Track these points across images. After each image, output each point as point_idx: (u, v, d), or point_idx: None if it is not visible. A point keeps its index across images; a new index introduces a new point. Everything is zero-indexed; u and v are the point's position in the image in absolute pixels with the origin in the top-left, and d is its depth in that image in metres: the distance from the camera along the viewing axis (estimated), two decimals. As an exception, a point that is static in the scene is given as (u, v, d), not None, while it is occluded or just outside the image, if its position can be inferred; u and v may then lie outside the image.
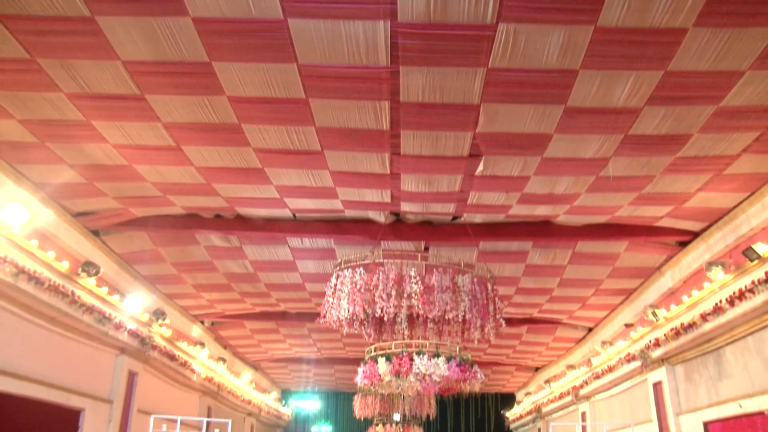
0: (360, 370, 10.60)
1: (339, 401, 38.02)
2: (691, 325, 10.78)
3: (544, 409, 22.58)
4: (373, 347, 10.64)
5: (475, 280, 9.60)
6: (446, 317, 9.43)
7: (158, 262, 13.25)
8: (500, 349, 21.42)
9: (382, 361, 10.09)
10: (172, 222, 11.53)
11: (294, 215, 11.32)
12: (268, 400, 25.90)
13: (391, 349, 10.37)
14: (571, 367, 19.17)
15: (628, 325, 15.00)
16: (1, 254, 8.69)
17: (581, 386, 17.75)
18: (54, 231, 10.44)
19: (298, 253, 12.86)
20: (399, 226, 11.51)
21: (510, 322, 16.51)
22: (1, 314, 9.38)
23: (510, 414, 28.26)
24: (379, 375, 10.12)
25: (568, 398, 19.29)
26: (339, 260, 9.76)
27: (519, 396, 28.34)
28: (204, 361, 17.37)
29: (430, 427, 30.15)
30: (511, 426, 28.86)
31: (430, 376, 10.25)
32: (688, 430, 11.58)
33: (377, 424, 24.79)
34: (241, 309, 16.93)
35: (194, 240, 12.38)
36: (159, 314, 13.69)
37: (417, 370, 9.84)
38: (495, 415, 31.38)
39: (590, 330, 18.13)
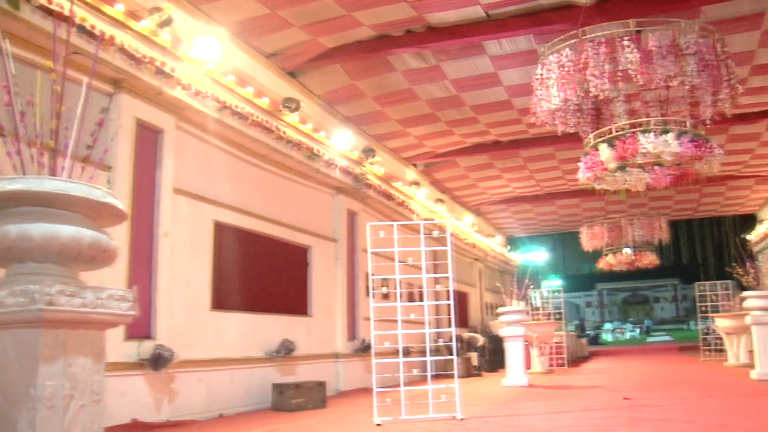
0: (581, 163, 9.77)
1: (565, 243, 37.35)
2: None
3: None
4: (591, 135, 9.72)
5: (700, 41, 8.44)
6: (669, 86, 8.44)
7: (359, 98, 13.10)
8: (735, 156, 18.35)
9: (603, 147, 9.11)
10: (363, 47, 11.17)
11: (487, 13, 10.42)
12: (493, 245, 25.87)
13: (612, 134, 9.35)
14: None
15: None
16: (201, 89, 8.85)
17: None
18: (251, 73, 10.50)
19: (499, 62, 11.93)
20: (605, 6, 10.18)
21: (745, 117, 14.81)
22: (227, 158, 9.87)
23: (753, 235, 26.03)
24: (602, 163, 9.22)
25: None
26: (542, 49, 8.97)
27: (762, 214, 26.01)
28: (423, 201, 17.39)
29: (662, 255, 28.78)
30: (755, 249, 26.60)
31: (659, 162, 9.30)
32: None
33: (606, 255, 23.99)
34: (452, 143, 16.52)
35: (389, 66, 11.97)
36: (368, 152, 13.66)
37: (644, 150, 8.73)
38: (735, 240, 29.27)
39: None
